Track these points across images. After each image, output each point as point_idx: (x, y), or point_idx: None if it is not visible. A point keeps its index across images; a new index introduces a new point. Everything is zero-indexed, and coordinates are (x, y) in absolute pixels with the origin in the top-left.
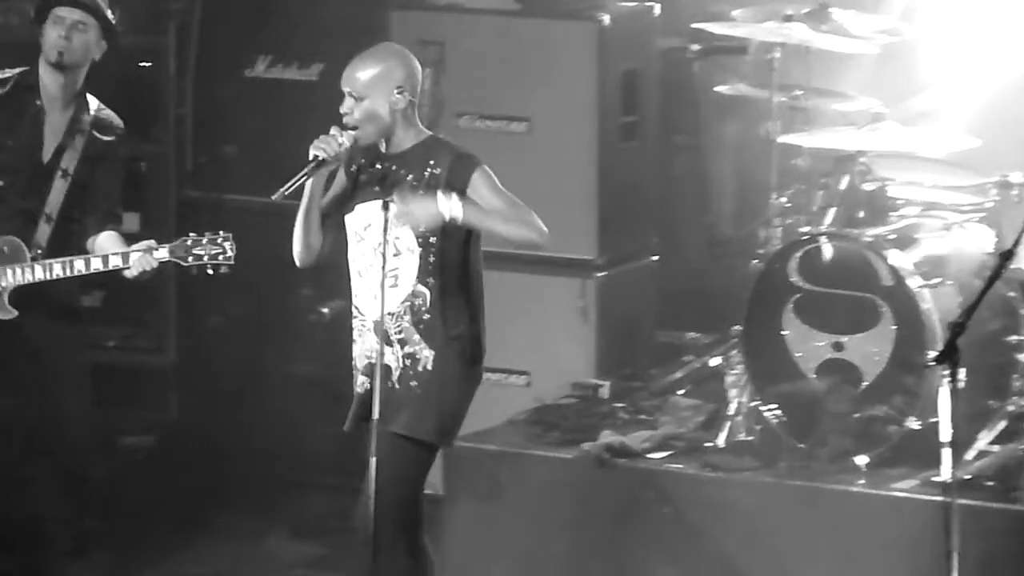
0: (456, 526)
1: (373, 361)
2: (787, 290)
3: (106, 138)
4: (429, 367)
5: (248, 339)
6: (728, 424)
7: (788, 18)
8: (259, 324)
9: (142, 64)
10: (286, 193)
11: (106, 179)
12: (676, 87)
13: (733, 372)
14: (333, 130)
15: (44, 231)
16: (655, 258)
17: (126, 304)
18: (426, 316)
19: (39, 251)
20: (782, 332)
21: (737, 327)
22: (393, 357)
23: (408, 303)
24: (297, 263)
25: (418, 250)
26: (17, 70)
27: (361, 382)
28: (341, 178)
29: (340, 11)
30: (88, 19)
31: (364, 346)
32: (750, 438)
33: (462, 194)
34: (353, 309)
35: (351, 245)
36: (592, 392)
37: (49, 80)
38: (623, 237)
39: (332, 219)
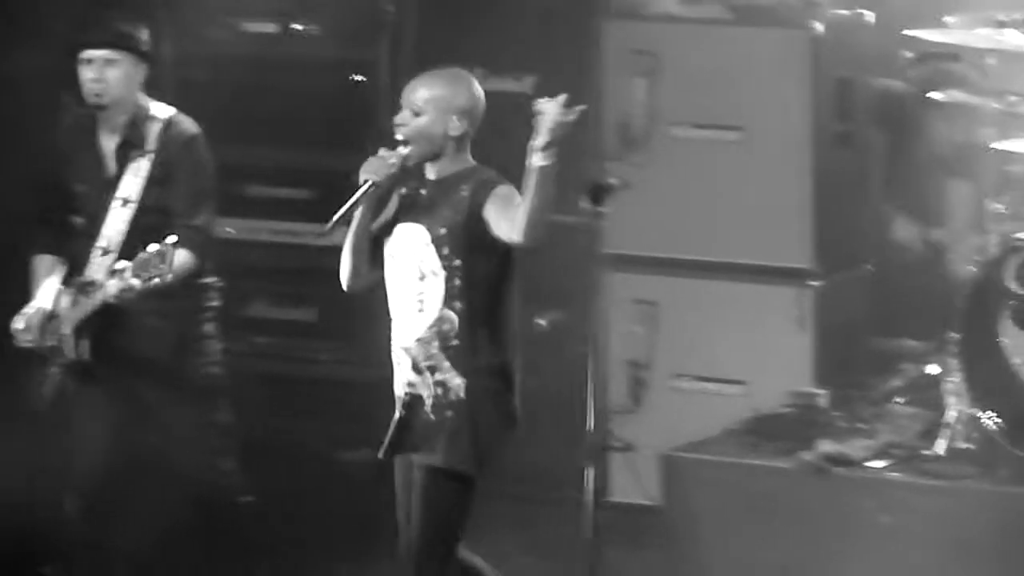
0: (673, 536)
1: (409, 392)
2: (1004, 297)
3: (172, 154)
4: (461, 395)
5: None
6: (947, 432)
7: (1002, 24)
8: None
9: (355, 77)
10: (338, 221)
11: (177, 197)
12: (889, 95)
13: (951, 380)
14: (382, 151)
15: (100, 263)
16: (870, 266)
17: (341, 318)
18: (454, 342)
19: (92, 283)
20: (999, 340)
21: (954, 334)
22: (424, 385)
23: (435, 329)
24: (345, 288)
25: (443, 273)
26: (79, 108)
27: (398, 409)
28: (393, 200)
29: (555, 21)
30: (116, 54)
31: (399, 375)
32: (969, 446)
33: (481, 213)
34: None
35: (387, 267)
36: (809, 401)
37: (100, 116)
38: (838, 245)
39: (382, 243)
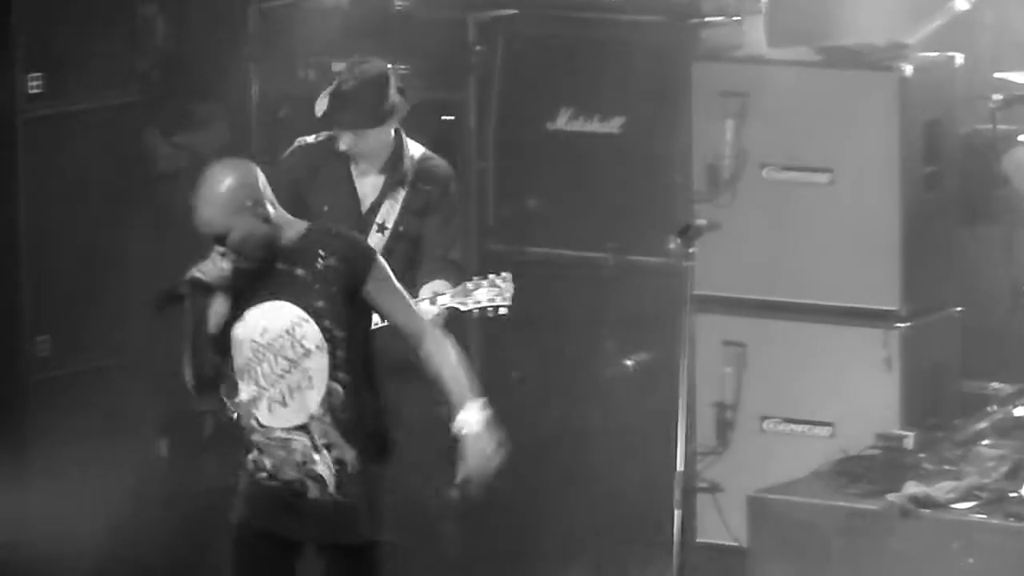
0: None
1: (305, 474)
2: None
3: (429, 187)
4: (358, 467)
5: (551, 392)
6: None
7: None
8: (563, 377)
9: (444, 118)
10: (157, 307)
11: (433, 229)
12: (978, 138)
13: None
14: (215, 252)
15: None
16: (959, 309)
17: None
18: (342, 415)
19: None
20: None
21: None
22: (323, 465)
23: (326, 403)
24: (195, 392)
25: (326, 345)
26: (324, 135)
27: (311, 488)
28: (220, 298)
29: (642, 63)
30: (363, 130)
31: (276, 460)
32: None
33: (360, 288)
34: (247, 427)
35: (242, 359)
36: (896, 443)
37: (353, 144)
38: (926, 287)
39: (220, 341)
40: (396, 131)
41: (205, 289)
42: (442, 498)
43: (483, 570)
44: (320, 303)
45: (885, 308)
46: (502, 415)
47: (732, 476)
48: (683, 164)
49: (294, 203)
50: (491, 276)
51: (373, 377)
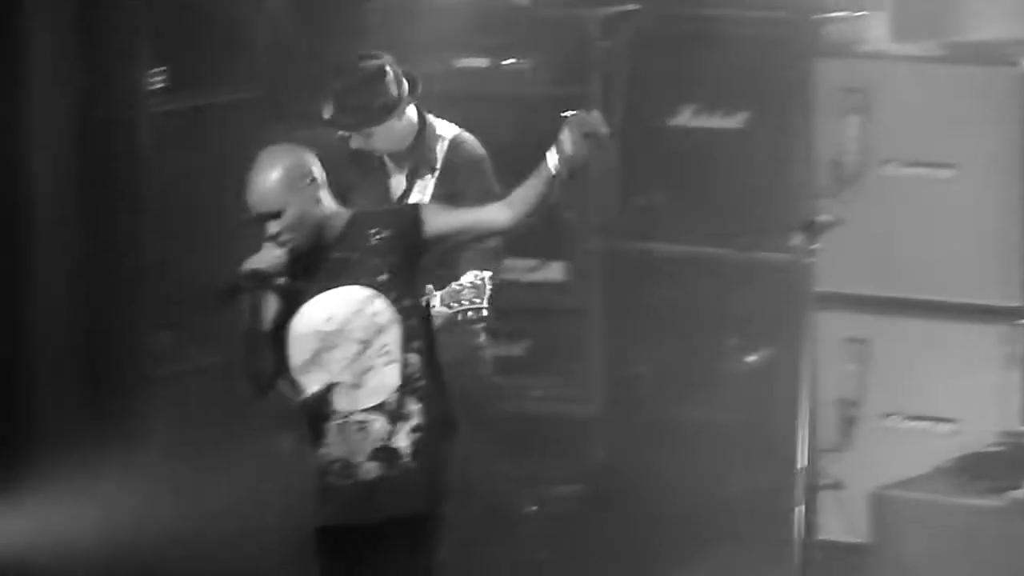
0: (882, 575)
1: (382, 447)
2: None
3: (460, 169)
4: (431, 436)
5: (674, 387)
6: None
7: None
8: (686, 372)
9: (566, 113)
10: (216, 304)
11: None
12: None
13: None
14: (267, 243)
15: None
16: None
17: (553, 354)
18: (420, 383)
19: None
20: None
21: None
22: (402, 435)
23: (403, 375)
24: (253, 392)
25: (398, 317)
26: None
27: (367, 469)
28: (272, 298)
29: (765, 59)
30: (372, 127)
31: (352, 444)
32: None
33: (422, 239)
34: (321, 417)
35: (306, 352)
36: (1019, 439)
37: (364, 143)
38: None
39: (275, 340)
40: (421, 116)
41: (263, 280)
42: (559, 496)
43: (606, 568)
44: (383, 276)
45: (1008, 304)
46: (623, 409)
47: (854, 473)
48: (806, 160)
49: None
50: (471, 276)
51: (434, 347)
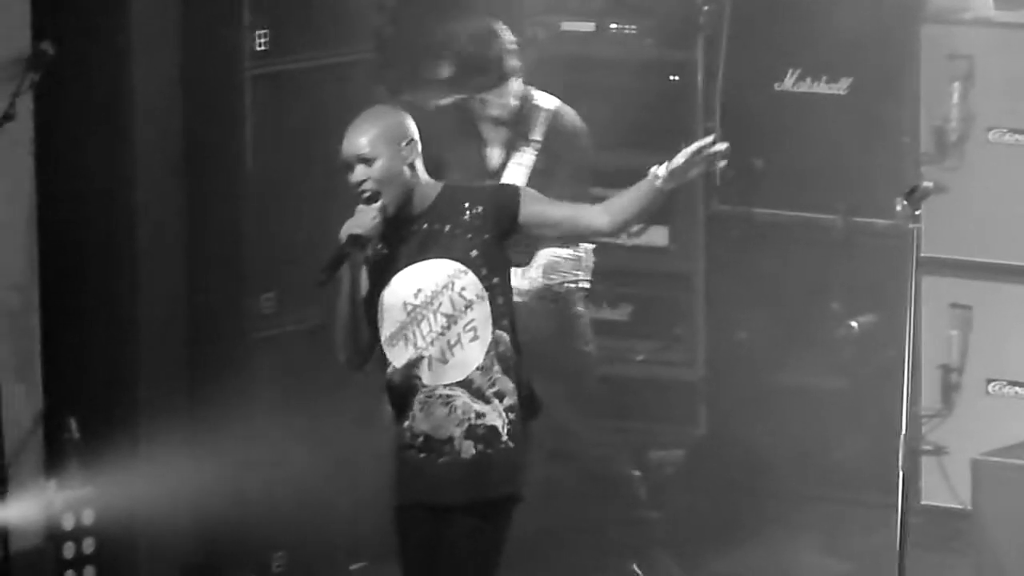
0: (983, 541)
1: (479, 425)
2: None
3: (558, 143)
4: (521, 416)
5: (776, 353)
6: None
7: None
8: (788, 338)
9: (671, 78)
10: (324, 278)
11: (560, 186)
12: None
13: None
14: (359, 208)
15: None
16: None
17: (655, 318)
18: (511, 361)
19: None
20: None
21: None
22: (496, 414)
23: (492, 353)
24: (347, 365)
25: (486, 294)
26: (458, 96)
27: (466, 447)
28: (363, 271)
29: (870, 25)
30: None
31: (437, 419)
32: None
33: (515, 222)
34: (407, 390)
35: (394, 324)
36: None
37: (478, 108)
38: None
39: (369, 314)
40: (525, 87)
41: (362, 244)
42: (662, 460)
43: (709, 531)
44: (474, 252)
45: None
46: (728, 373)
47: (957, 439)
48: (910, 127)
49: (430, 165)
50: (571, 249)
51: (516, 326)
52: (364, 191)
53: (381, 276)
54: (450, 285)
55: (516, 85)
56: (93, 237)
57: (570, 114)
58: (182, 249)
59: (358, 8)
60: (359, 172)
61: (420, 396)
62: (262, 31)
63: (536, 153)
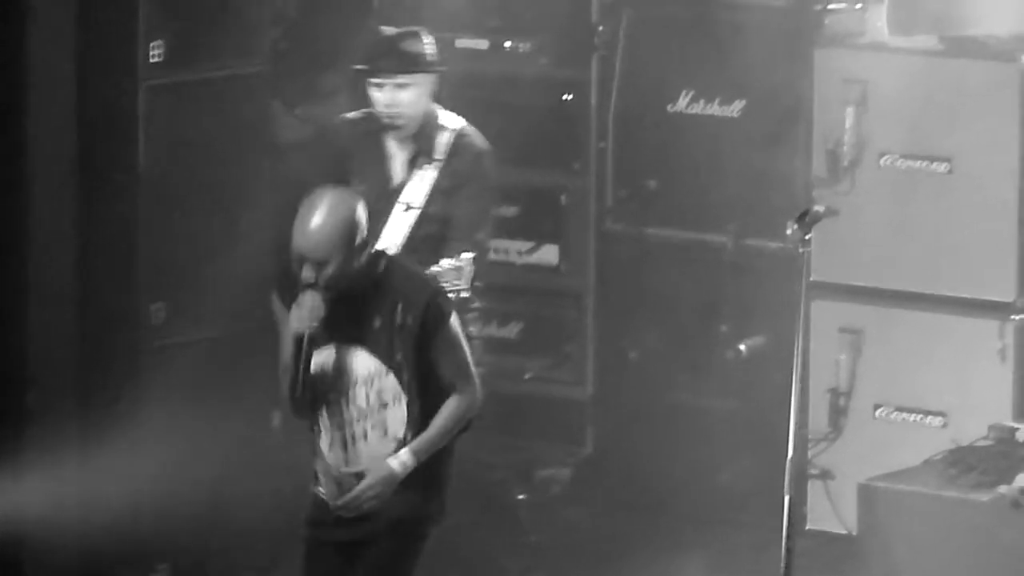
0: (868, 566)
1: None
2: None
3: (460, 164)
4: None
5: (666, 373)
6: None
7: None
8: (677, 358)
9: (565, 96)
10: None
11: (462, 207)
12: None
13: None
14: (302, 298)
15: None
16: None
17: (544, 336)
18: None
19: None
20: None
21: None
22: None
23: (397, 450)
24: (291, 412)
25: (404, 398)
26: (364, 111)
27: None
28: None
29: (764, 48)
30: (406, 78)
31: (335, 489)
32: None
33: (428, 345)
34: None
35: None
36: (1009, 435)
37: (391, 99)
38: None
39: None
40: (431, 104)
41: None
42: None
43: (594, 551)
44: (398, 356)
45: (1001, 299)
46: (617, 393)
47: (844, 463)
48: (803, 150)
49: (335, 179)
50: (452, 259)
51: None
52: (316, 288)
53: (311, 348)
54: (370, 382)
55: (427, 88)
56: None
57: (474, 134)
58: (73, 258)
59: (254, 21)
60: (308, 273)
61: (319, 464)
62: (157, 42)
63: (439, 172)
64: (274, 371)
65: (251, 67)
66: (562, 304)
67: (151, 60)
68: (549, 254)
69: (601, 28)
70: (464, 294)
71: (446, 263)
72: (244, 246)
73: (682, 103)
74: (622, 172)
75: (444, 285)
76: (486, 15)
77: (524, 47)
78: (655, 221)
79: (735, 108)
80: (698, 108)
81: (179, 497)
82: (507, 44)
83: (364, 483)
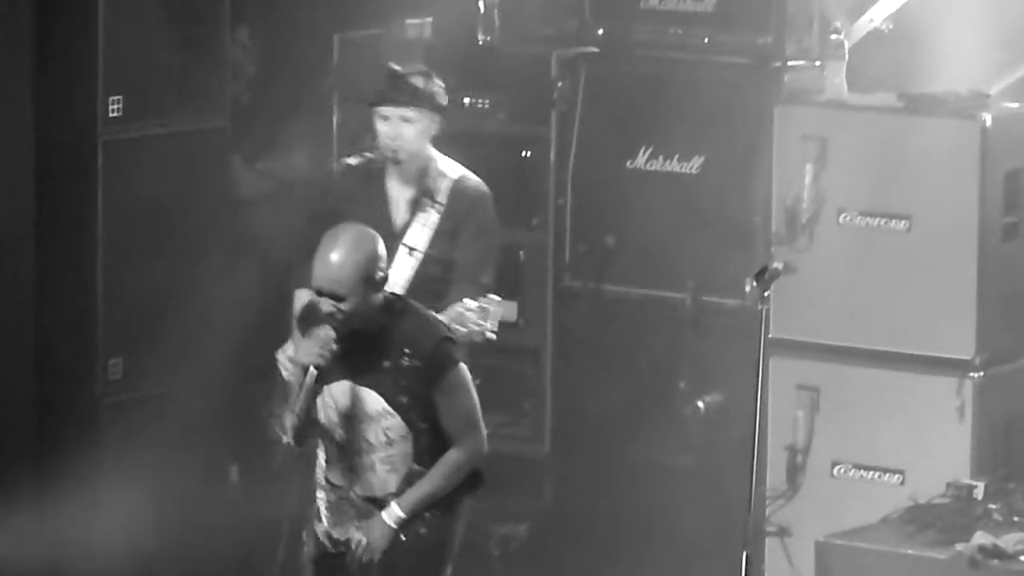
0: None
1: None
2: None
3: (461, 209)
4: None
5: (623, 429)
6: None
7: None
8: (635, 414)
9: (524, 153)
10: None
11: (464, 251)
12: None
13: None
14: (316, 333)
15: None
16: None
17: (503, 392)
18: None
19: None
20: None
21: None
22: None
23: (405, 484)
24: (292, 443)
25: (410, 435)
26: (368, 155)
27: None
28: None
29: (723, 105)
30: (412, 112)
31: (336, 518)
32: None
33: (432, 390)
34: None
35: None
36: (967, 492)
37: (391, 165)
38: (1001, 337)
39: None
40: (431, 149)
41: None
42: (506, 534)
43: None
44: (404, 399)
45: (959, 357)
46: (573, 449)
47: (801, 520)
48: (762, 207)
49: (333, 221)
50: (479, 300)
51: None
52: (331, 322)
53: (325, 375)
54: (377, 420)
55: (431, 129)
56: None
57: (475, 179)
58: (31, 313)
59: (213, 76)
60: (327, 306)
61: (327, 494)
62: (116, 97)
63: (441, 217)
64: (231, 426)
65: (210, 121)
66: (520, 360)
67: (110, 115)
68: (507, 310)
69: (560, 84)
70: (490, 335)
71: (472, 304)
72: (202, 301)
73: (641, 159)
74: (580, 228)
75: (469, 326)
76: (444, 71)
77: (483, 103)
78: (613, 278)
79: (694, 164)
80: (657, 164)
81: (137, 552)
82: (466, 100)
83: (360, 546)
